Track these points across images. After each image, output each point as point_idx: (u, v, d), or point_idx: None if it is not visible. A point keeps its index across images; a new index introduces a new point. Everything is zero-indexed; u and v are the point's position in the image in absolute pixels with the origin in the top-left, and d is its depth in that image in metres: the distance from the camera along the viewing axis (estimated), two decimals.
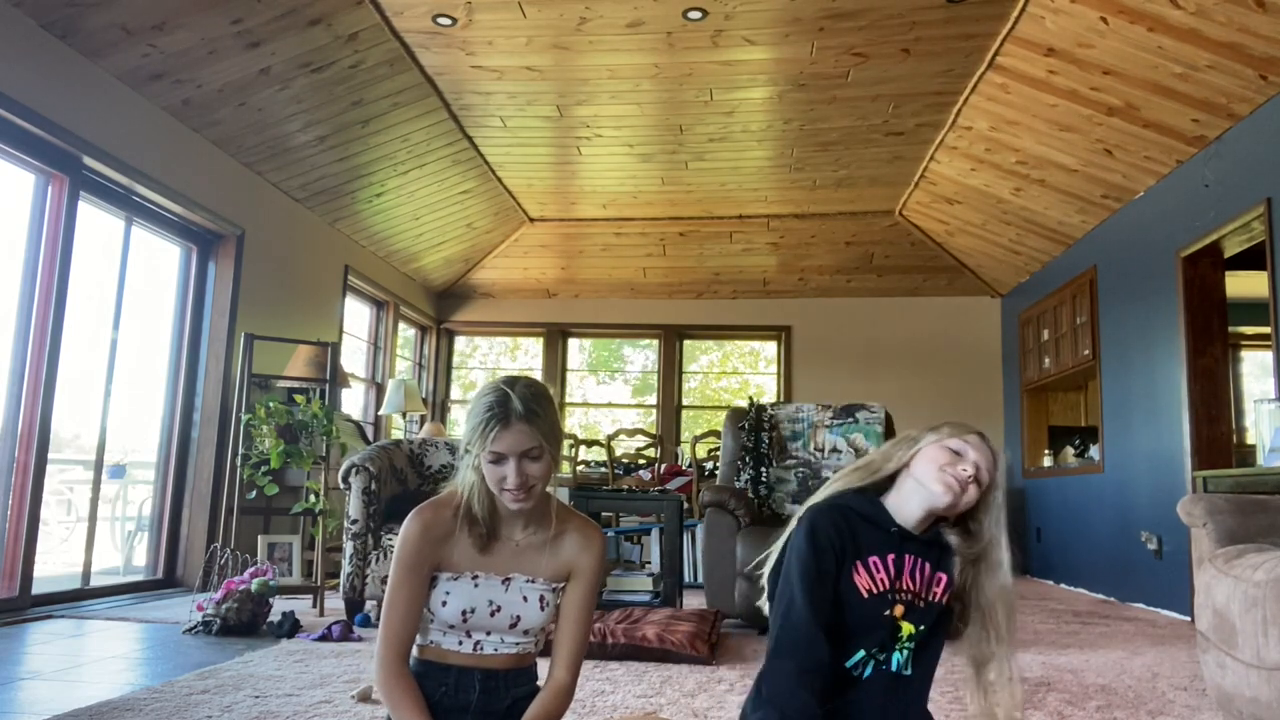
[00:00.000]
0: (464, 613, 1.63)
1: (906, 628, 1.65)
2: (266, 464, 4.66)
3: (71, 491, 5.52)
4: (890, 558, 1.67)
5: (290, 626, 3.67)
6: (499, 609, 1.65)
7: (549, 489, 1.69)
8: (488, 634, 1.65)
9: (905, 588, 1.66)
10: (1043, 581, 7.27)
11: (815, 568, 1.61)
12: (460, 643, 1.65)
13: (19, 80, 3.94)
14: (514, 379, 1.65)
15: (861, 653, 1.63)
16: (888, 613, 1.64)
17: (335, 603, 4.54)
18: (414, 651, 1.68)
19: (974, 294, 8.46)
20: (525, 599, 1.66)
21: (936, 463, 1.67)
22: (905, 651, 1.64)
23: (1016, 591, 1.72)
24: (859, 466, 1.77)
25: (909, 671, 1.65)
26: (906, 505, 1.70)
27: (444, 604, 1.63)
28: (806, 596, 1.59)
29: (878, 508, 1.71)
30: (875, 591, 1.64)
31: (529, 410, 1.59)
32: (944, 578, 1.70)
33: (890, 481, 1.73)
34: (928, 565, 1.69)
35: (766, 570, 1.73)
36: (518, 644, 1.67)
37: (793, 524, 1.70)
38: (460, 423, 7.86)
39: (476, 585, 1.65)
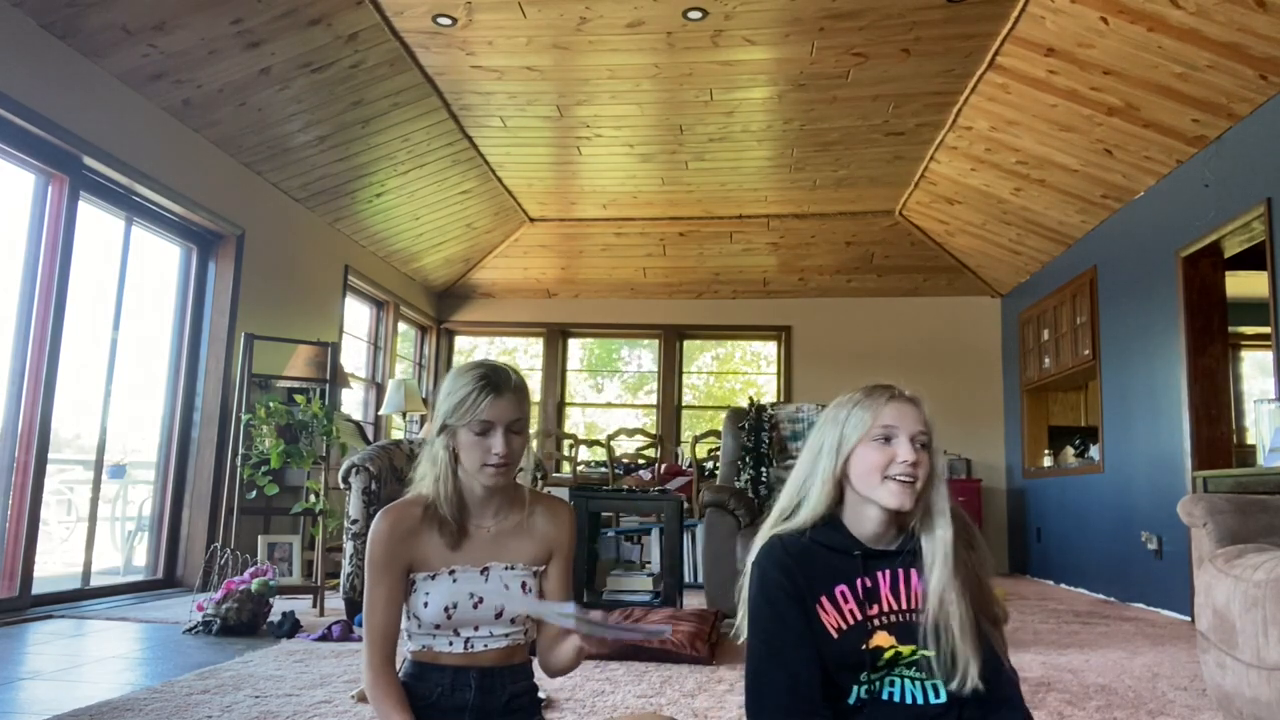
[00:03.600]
0: (446, 609, 1.62)
1: (905, 650, 1.44)
2: (266, 464, 4.67)
3: (71, 491, 5.51)
4: (860, 582, 1.46)
5: (290, 626, 3.67)
6: (481, 600, 1.64)
7: (518, 477, 1.72)
8: (475, 629, 1.65)
9: (887, 609, 1.46)
10: (1043, 581, 7.27)
11: (779, 628, 1.47)
12: (450, 643, 1.65)
13: (19, 80, 3.94)
14: (492, 361, 1.72)
15: (855, 689, 1.46)
16: (864, 646, 1.44)
17: (335, 603, 4.54)
18: (408, 656, 1.68)
19: (974, 294, 8.45)
20: (507, 587, 1.66)
21: (874, 467, 1.46)
22: (923, 684, 1.44)
23: (967, 520, 1.52)
24: (787, 503, 1.55)
25: (938, 700, 1.44)
26: (862, 522, 1.50)
27: (425, 605, 1.63)
28: (776, 661, 1.46)
29: (834, 529, 1.50)
30: (845, 627, 1.45)
31: (518, 384, 1.66)
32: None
33: (839, 490, 1.51)
34: (913, 573, 1.47)
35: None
36: (507, 635, 1.67)
37: (748, 568, 1.55)
38: None
39: (455, 580, 1.65)
